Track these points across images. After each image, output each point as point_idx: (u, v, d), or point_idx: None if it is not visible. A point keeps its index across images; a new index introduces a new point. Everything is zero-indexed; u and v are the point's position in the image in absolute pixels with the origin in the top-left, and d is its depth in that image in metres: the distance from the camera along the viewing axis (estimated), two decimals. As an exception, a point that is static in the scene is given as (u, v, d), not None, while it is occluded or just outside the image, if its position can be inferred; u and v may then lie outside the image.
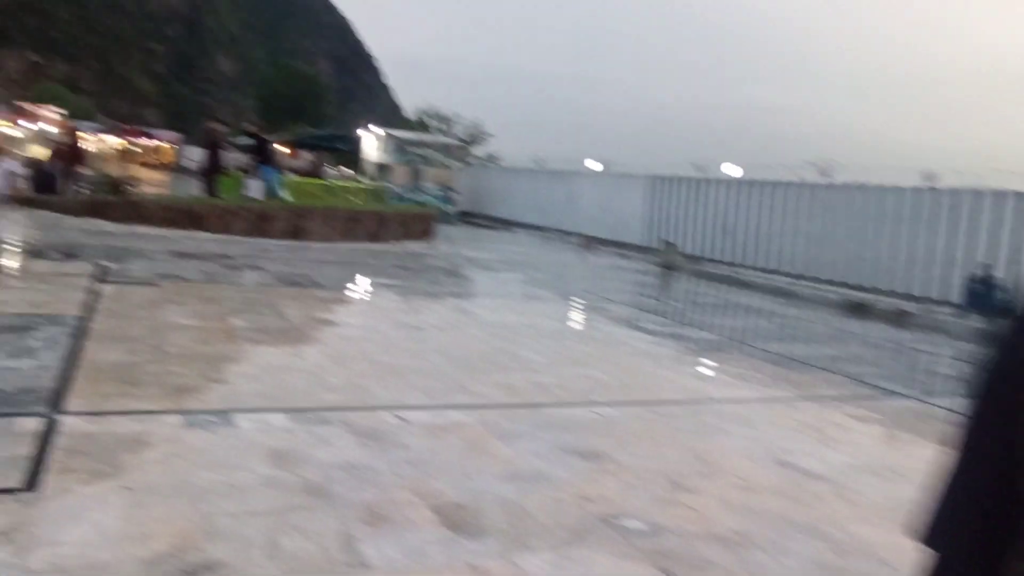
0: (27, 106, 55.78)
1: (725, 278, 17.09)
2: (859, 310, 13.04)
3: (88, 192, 17.18)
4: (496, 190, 34.49)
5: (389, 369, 5.65)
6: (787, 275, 17.26)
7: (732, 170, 23.19)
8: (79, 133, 20.36)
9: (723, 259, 19.85)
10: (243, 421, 4.16)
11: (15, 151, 21.74)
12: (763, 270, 18.18)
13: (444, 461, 3.91)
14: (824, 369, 7.60)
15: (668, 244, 19.53)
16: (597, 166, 29.60)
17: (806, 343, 9.89)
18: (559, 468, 3.99)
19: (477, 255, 16.58)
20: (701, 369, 7.31)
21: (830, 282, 16.03)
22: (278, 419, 4.26)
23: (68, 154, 17.77)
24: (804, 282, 16.21)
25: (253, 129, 17.46)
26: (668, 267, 18.48)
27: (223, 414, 4.23)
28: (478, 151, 49.21)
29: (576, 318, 9.74)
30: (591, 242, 23.90)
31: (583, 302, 10.99)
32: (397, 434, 4.23)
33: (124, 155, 54.58)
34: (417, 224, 17.57)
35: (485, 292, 11.39)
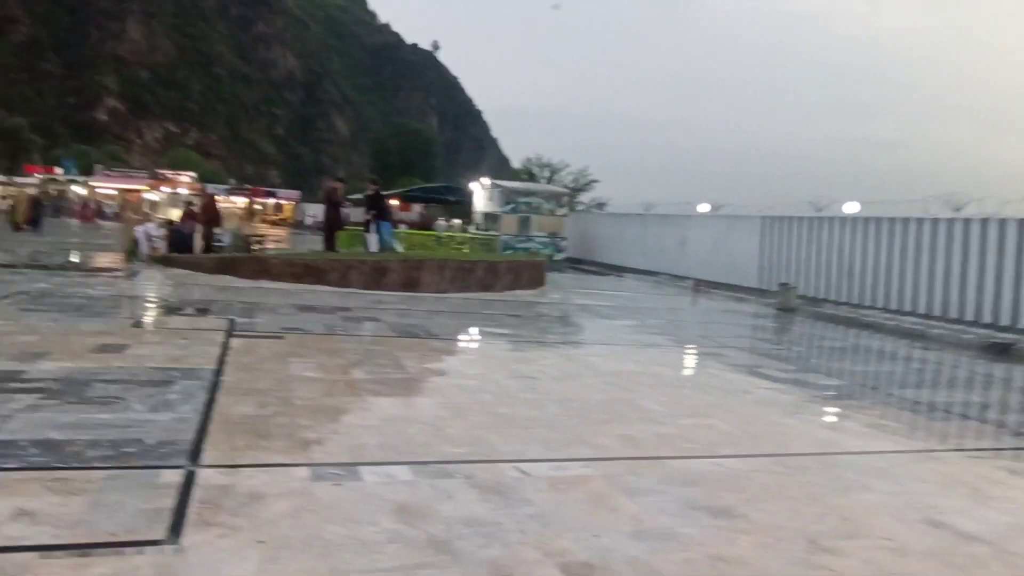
0: (165, 172, 60.09)
1: (847, 320, 16.30)
2: (1002, 352, 12.12)
3: (222, 250, 18.27)
4: (604, 236, 34.44)
5: (507, 420, 5.61)
6: (917, 316, 16.32)
7: (851, 207, 22.25)
8: (215, 195, 21.75)
9: (844, 300, 19.00)
10: (368, 474, 4.20)
11: (154, 214, 23.39)
12: (889, 311, 17.27)
13: (569, 517, 3.81)
14: (969, 418, 7.05)
15: (785, 286, 18.84)
16: (707, 208, 29.08)
17: (946, 389, 9.23)
18: (688, 525, 3.81)
19: (588, 302, 16.50)
20: (832, 418, 6.93)
21: (966, 322, 15.02)
22: (401, 472, 4.28)
23: (203, 215, 18.97)
24: (936, 323, 15.25)
25: (373, 188, 18.15)
26: (785, 310, 17.82)
27: (349, 467, 4.29)
28: (585, 198, 49.49)
29: (694, 365, 9.47)
30: (703, 286, 23.38)
31: (700, 348, 10.69)
32: (519, 488, 4.16)
33: (250, 214, 58.01)
34: (527, 272, 17.69)
35: (599, 340, 11.26)
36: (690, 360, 9.95)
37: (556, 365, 8.28)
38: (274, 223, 45.17)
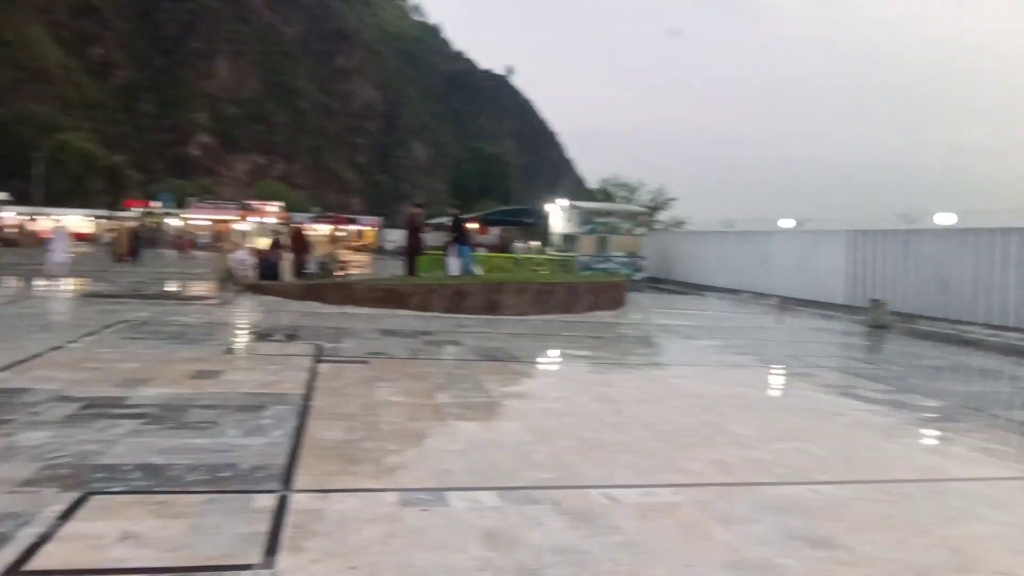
0: (253, 203, 62.39)
1: (946, 337, 15.56)
2: (1121, 370, 11.33)
3: (311, 277, 18.82)
4: (684, 254, 33.95)
5: (593, 445, 5.54)
6: (1022, 332, 15.44)
7: (945, 218, 21.33)
8: (303, 225, 22.50)
9: (941, 316, 18.15)
10: (455, 499, 4.21)
11: (244, 243, 24.29)
12: (992, 327, 16.39)
13: (660, 546, 3.72)
14: (1089, 441, 6.58)
15: (876, 302, 18.12)
16: (791, 223, 28.33)
17: (1060, 410, 8.67)
18: (787, 556, 3.67)
19: (670, 322, 16.25)
20: (935, 442, 6.59)
21: (1079, 338, 14.13)
22: (488, 498, 4.26)
23: (293, 244, 19.61)
24: (1046, 339, 14.40)
25: (453, 213, 18.44)
26: (877, 327, 17.14)
27: (436, 492, 4.31)
28: (663, 216, 48.85)
29: (783, 386, 9.18)
30: (788, 303, 22.73)
31: (788, 369, 10.36)
32: (608, 515, 4.09)
33: (333, 240, 59.62)
34: (607, 293, 17.56)
35: (683, 361, 11.04)
36: (779, 381, 9.64)
37: (640, 387, 8.15)
38: (356, 249, 46.27)
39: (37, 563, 3.18)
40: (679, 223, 48.15)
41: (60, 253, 20.02)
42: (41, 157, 63.52)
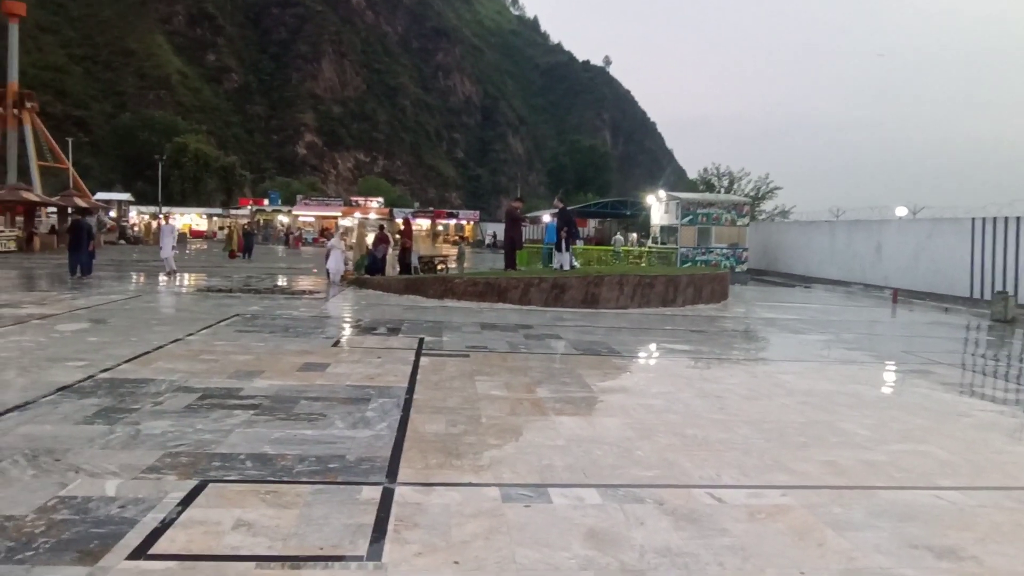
0: (357, 199, 64.25)
1: (1084, 332, 14.41)
2: None
3: (415, 271, 19.21)
4: (789, 245, 32.82)
5: (697, 442, 5.40)
6: None
7: (1082, 203, 19.79)
8: (409, 220, 22.93)
9: (1079, 309, 16.83)
10: (557, 496, 4.17)
11: (348, 239, 25.00)
12: None
13: (771, 551, 3.58)
14: None
15: (1002, 294, 16.98)
16: (904, 211, 26.91)
17: None
18: (909, 566, 3.46)
19: (775, 315, 15.71)
20: (1073, 446, 6.09)
21: None
22: (590, 495, 4.21)
23: (402, 236, 20.04)
24: None
25: (560, 205, 18.39)
26: (1003, 321, 16.06)
27: (538, 488, 4.29)
28: (767, 206, 47.31)
29: (900, 384, 8.70)
30: (903, 295, 21.60)
31: (905, 365, 9.83)
32: (715, 516, 3.97)
33: (433, 234, 60.67)
34: (709, 286, 17.14)
35: (790, 356, 10.64)
36: (894, 378, 9.16)
37: (744, 383, 7.89)
38: (456, 242, 46.93)
39: (160, 547, 3.34)
40: (784, 212, 46.54)
41: (167, 249, 21.08)
42: (162, 159, 67.31)
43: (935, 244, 23.01)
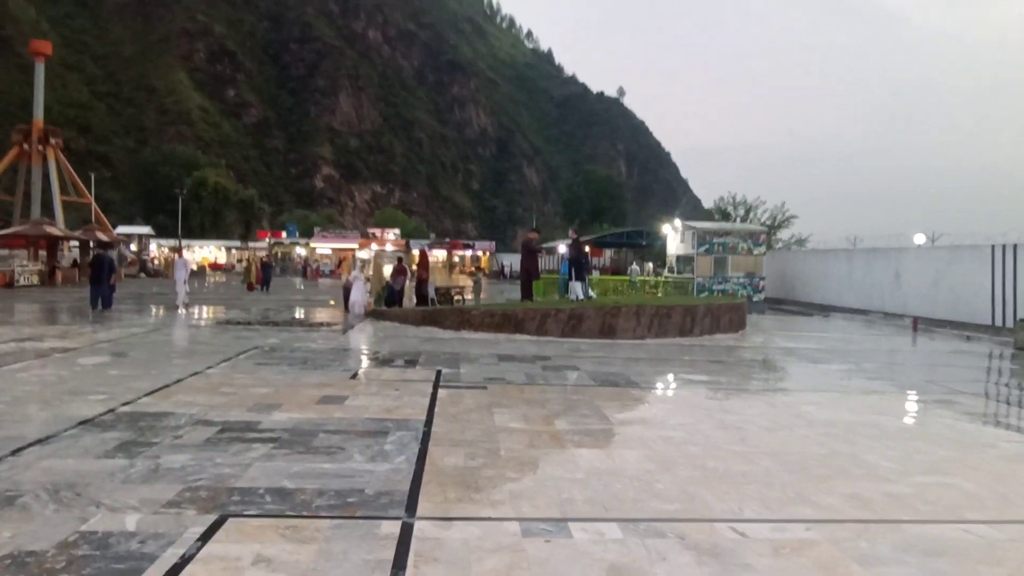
0: (374, 231, 64.72)
1: (1111, 360, 14.17)
2: None
3: (432, 303, 19.26)
4: (806, 273, 32.65)
5: (718, 475, 5.34)
6: None
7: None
8: (425, 251, 22.99)
9: (1104, 337, 16.57)
10: (577, 531, 4.13)
11: (366, 271, 25.12)
12: None
13: (796, 587, 3.51)
14: None
15: (1025, 322, 16.76)
16: (923, 239, 26.73)
17: None
18: (938, 603, 3.38)
19: (794, 345, 15.59)
20: (1104, 478, 5.96)
21: None
22: (611, 529, 4.17)
23: (422, 270, 20.12)
24: None
25: (573, 236, 18.50)
26: (1028, 349, 15.84)
27: (558, 523, 4.25)
28: (783, 234, 47.20)
29: (923, 414, 8.58)
30: (923, 324, 21.39)
31: (927, 395, 9.70)
32: (738, 551, 3.91)
33: (449, 265, 60.91)
34: (727, 315, 17.05)
35: (810, 386, 10.53)
36: (917, 408, 9.03)
37: (764, 414, 7.82)
38: (472, 273, 47.09)
39: (180, 583, 3.33)
40: (800, 241, 46.40)
41: (180, 283, 20.95)
42: (182, 193, 68.27)
43: (955, 271, 22.82)
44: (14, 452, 5.36)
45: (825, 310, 28.36)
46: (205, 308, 21.37)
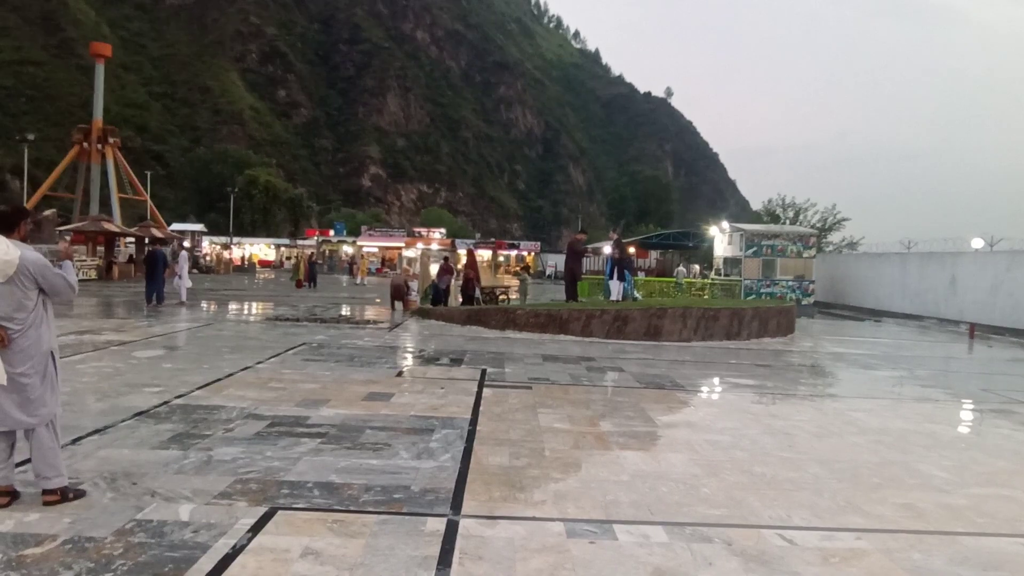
0: (420, 230, 65.22)
1: None
2: None
3: (480, 302, 19.35)
4: (857, 277, 31.97)
5: (766, 481, 5.26)
6: None
7: None
8: (472, 251, 23.08)
9: None
10: (622, 533, 4.12)
11: (411, 270, 25.34)
12: None
13: (846, 596, 3.45)
14: None
15: (1090, 331, 16.16)
16: (980, 243, 25.95)
17: None
18: (995, 618, 3.29)
19: (844, 350, 15.28)
20: None
21: None
22: (656, 533, 4.14)
23: (471, 270, 20.22)
24: None
25: (615, 236, 18.46)
26: (1093, 359, 15.27)
27: (602, 524, 4.23)
28: (834, 237, 46.22)
29: (979, 424, 8.34)
30: (980, 330, 20.77)
31: (985, 404, 9.42)
32: (786, 559, 3.85)
33: (495, 265, 61.03)
34: (775, 319, 16.79)
35: (861, 392, 10.32)
36: (973, 417, 8.78)
37: (813, 420, 7.68)
38: (517, 273, 47.14)
39: (231, 573, 3.41)
40: (852, 244, 45.40)
41: (185, 277, 20.77)
42: (233, 191, 69.64)
43: (1015, 277, 22.11)
44: (74, 441, 5.53)
45: (877, 315, 27.73)
46: (254, 304, 21.79)
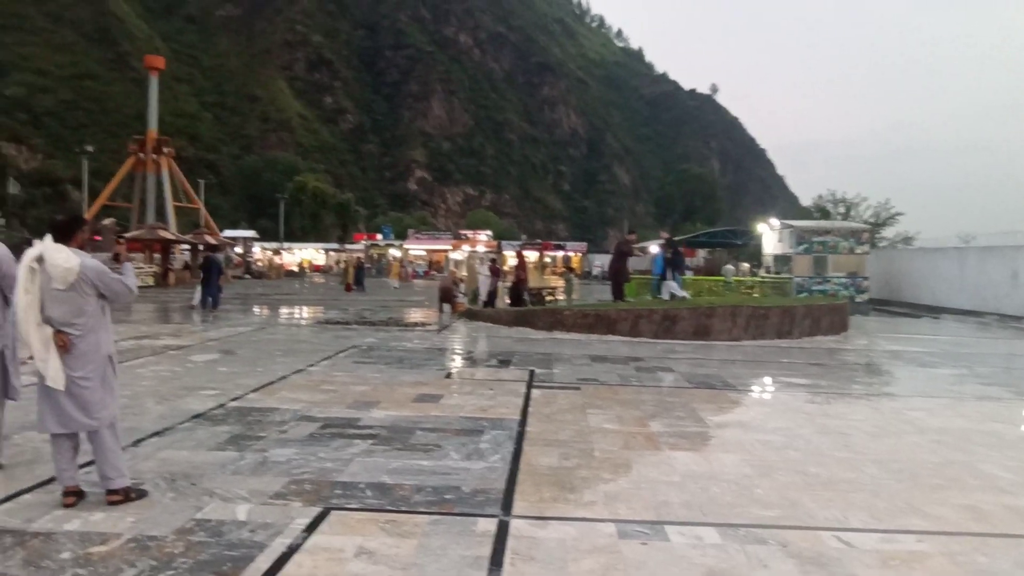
0: (465, 232, 65.55)
1: None
2: None
3: (529, 304, 19.39)
4: (912, 273, 31.15)
5: (821, 482, 5.17)
6: None
7: None
8: (521, 253, 23.11)
9: None
10: (674, 534, 4.08)
11: (457, 271, 25.51)
12: None
13: (907, 600, 3.36)
14: None
15: None
16: (1044, 236, 25.08)
17: None
18: (1066, 623, 3.17)
19: (900, 348, 14.90)
20: None
21: None
22: (709, 534, 4.10)
23: (521, 271, 20.29)
24: None
25: (666, 236, 18.39)
26: None
27: (654, 525, 4.20)
28: (888, 232, 45.11)
29: (1045, 422, 8.06)
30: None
31: (1051, 402, 9.09)
32: (844, 561, 3.78)
33: (541, 266, 61.02)
34: (827, 316, 16.46)
35: (918, 391, 10.04)
36: (1039, 416, 8.49)
37: (869, 419, 7.50)
38: (562, 274, 47.07)
39: (288, 572, 3.48)
40: (906, 239, 44.23)
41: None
42: (283, 198, 70.91)
43: (1080, 271, 21.32)
44: (135, 443, 5.69)
45: (934, 311, 26.98)
46: (305, 308, 22.15)
